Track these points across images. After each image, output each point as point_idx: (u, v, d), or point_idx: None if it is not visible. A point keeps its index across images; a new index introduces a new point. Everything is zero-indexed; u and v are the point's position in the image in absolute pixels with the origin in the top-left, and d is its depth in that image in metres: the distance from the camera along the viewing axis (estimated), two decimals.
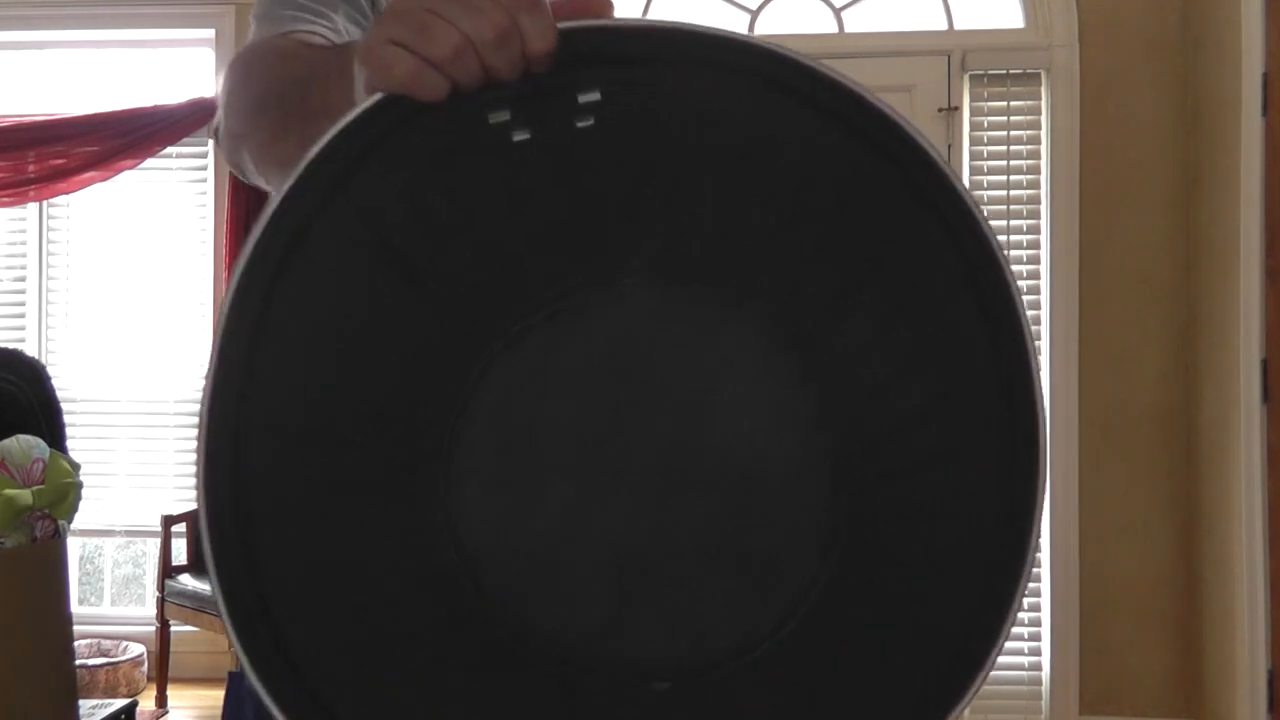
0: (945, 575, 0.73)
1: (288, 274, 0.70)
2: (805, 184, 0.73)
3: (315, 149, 0.68)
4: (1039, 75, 3.41)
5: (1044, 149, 3.41)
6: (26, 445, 2.69)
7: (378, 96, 0.68)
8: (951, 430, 0.73)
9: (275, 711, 0.66)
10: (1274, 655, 2.86)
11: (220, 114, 0.94)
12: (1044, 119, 3.41)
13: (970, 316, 0.71)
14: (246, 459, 0.69)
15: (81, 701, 2.67)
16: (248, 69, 0.92)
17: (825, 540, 0.74)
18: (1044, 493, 0.70)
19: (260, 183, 0.96)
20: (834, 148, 0.72)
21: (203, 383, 0.68)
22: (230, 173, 3.82)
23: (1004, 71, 3.41)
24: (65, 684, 2.61)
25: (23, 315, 4.11)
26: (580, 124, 0.72)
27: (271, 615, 0.69)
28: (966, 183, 3.44)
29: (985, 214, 0.70)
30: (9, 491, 2.55)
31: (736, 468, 0.76)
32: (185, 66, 4.15)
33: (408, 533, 0.73)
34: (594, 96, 0.71)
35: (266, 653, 0.68)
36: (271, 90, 0.87)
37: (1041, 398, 0.70)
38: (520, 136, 0.71)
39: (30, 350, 3.97)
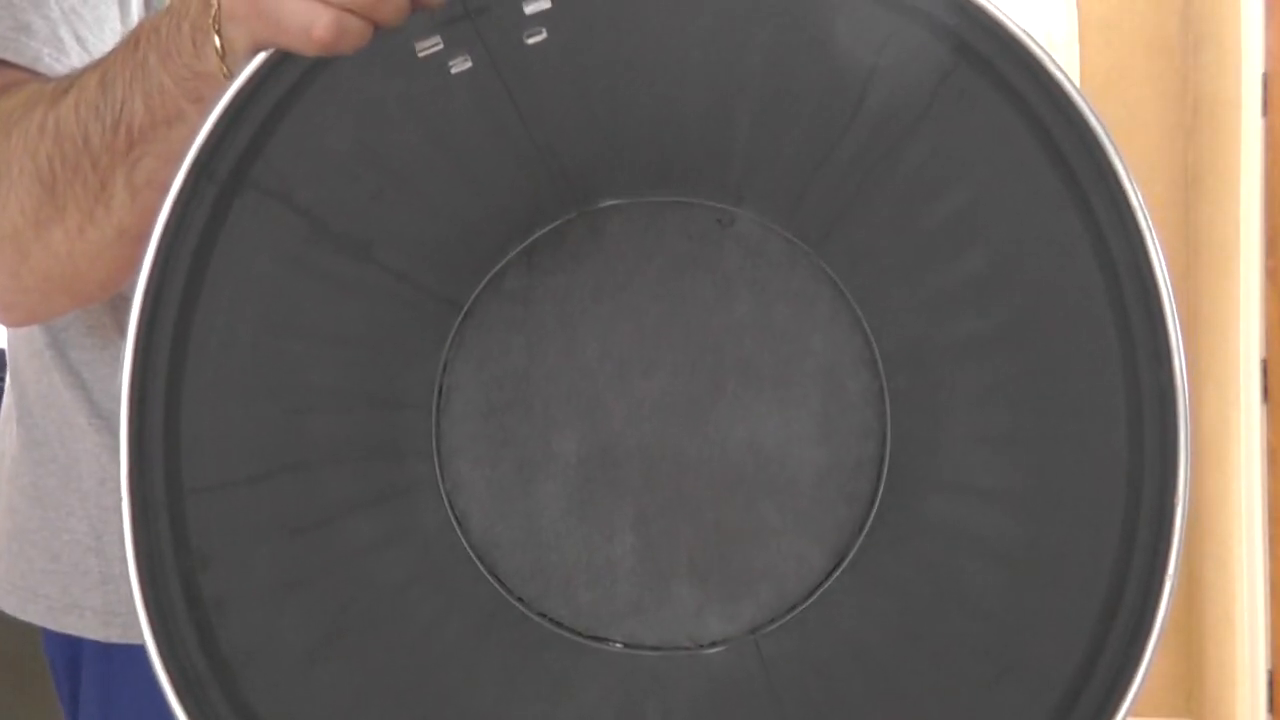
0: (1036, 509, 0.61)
1: (202, 290, 0.58)
2: (809, 55, 0.60)
3: (200, 134, 0.55)
4: None
5: None
6: None
7: (266, 53, 0.55)
8: (1023, 319, 0.59)
9: None
10: (1274, 655, 2.86)
11: None
12: None
13: (1042, 167, 0.57)
14: (187, 517, 0.58)
15: None
16: (4, 131, 0.66)
17: (875, 458, 0.65)
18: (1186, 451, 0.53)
19: (44, 306, 0.72)
20: (837, 9, 0.58)
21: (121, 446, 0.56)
22: None
23: None
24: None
25: None
26: (531, 39, 0.59)
27: (239, 687, 0.58)
28: None
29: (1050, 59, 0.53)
30: None
31: (760, 382, 0.66)
32: None
33: (406, 538, 0.66)
34: (543, 4, 0.59)
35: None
36: (58, 144, 0.64)
37: (1171, 303, 0.53)
38: (460, 68, 0.59)
39: None
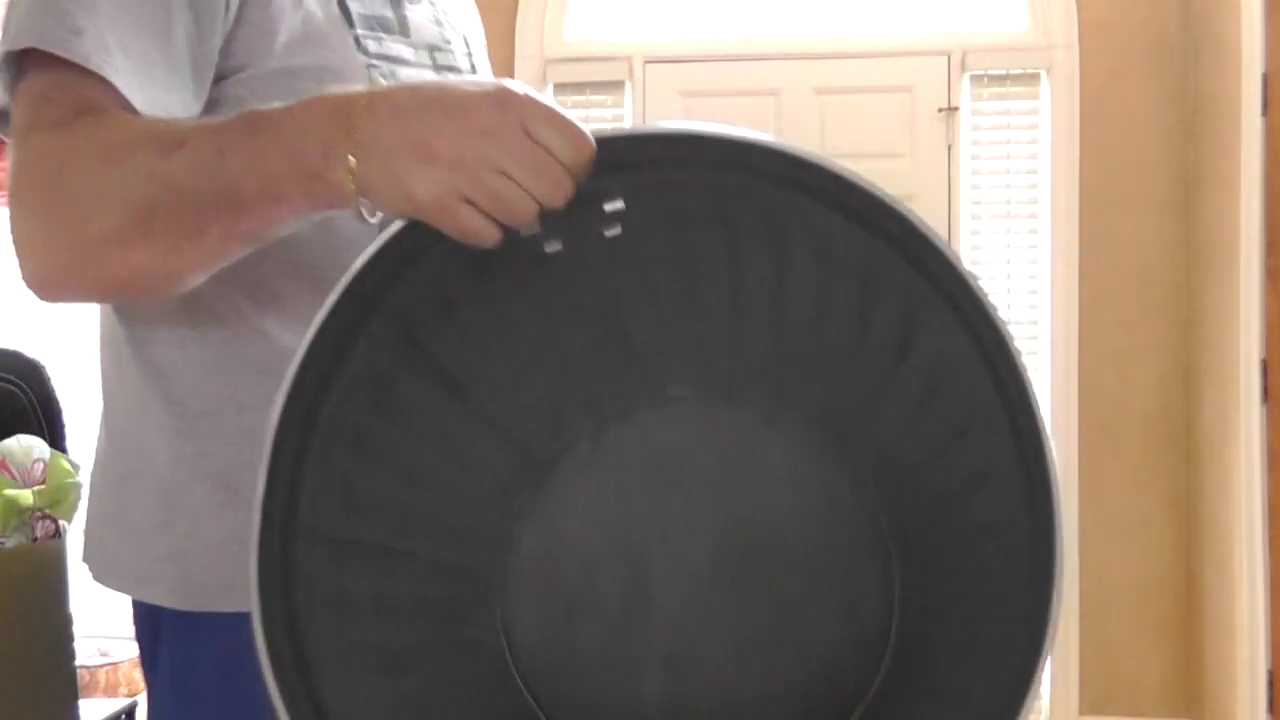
0: (990, 644, 0.74)
1: (331, 387, 0.71)
2: (834, 283, 0.75)
3: (354, 267, 0.69)
4: (1039, 75, 3.41)
5: (1044, 149, 3.40)
6: (27, 445, 2.69)
7: (409, 220, 0.70)
8: (986, 502, 0.74)
9: None
10: (1274, 655, 2.86)
11: (59, 212, 0.77)
12: (1044, 119, 3.41)
13: (991, 398, 0.72)
14: (296, 546, 0.71)
15: (81, 701, 2.66)
16: (106, 159, 0.76)
17: (881, 627, 0.77)
18: (1062, 560, 0.70)
19: (86, 296, 0.84)
20: (861, 249, 0.73)
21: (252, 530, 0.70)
22: None
23: (1004, 71, 3.41)
24: (65, 684, 2.62)
25: (24, 315, 4.11)
26: (608, 233, 0.73)
27: None
28: (966, 184, 3.44)
29: (994, 305, 0.72)
30: (10, 491, 2.56)
31: (788, 561, 0.78)
32: None
33: (463, 655, 0.76)
34: (619, 205, 0.73)
35: None
36: (166, 191, 0.74)
37: (1057, 486, 0.70)
38: (553, 248, 0.73)
39: (30, 350, 3.96)
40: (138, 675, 3.80)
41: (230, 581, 0.79)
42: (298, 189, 0.72)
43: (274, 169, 0.72)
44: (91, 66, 0.78)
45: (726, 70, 3.49)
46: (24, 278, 0.81)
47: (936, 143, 3.42)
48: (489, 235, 0.69)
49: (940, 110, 3.41)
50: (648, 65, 3.51)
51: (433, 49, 0.96)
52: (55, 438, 2.83)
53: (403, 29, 0.93)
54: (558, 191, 0.68)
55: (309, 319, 0.69)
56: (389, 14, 0.93)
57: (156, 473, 0.91)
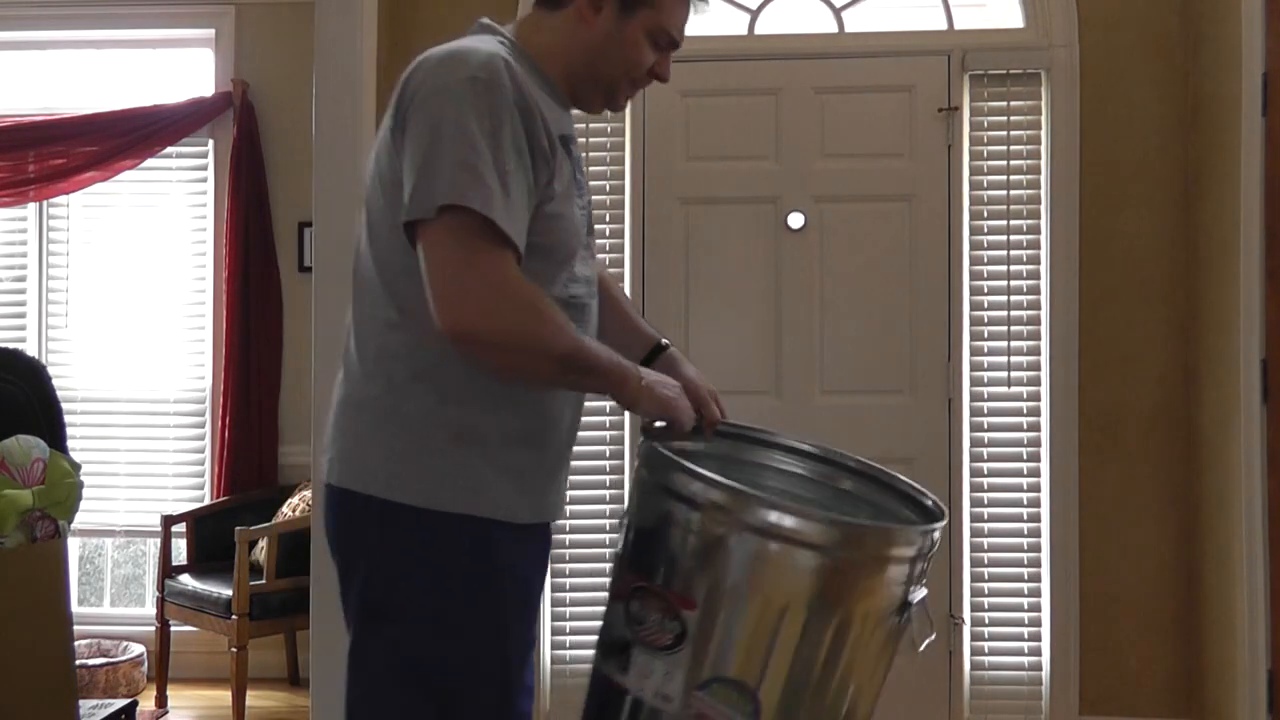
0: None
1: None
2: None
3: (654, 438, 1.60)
4: (1039, 75, 3.41)
5: (1044, 149, 3.40)
6: (26, 445, 2.68)
7: (660, 423, 1.61)
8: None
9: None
10: (1274, 655, 2.86)
11: (523, 326, 1.46)
12: (1044, 119, 3.41)
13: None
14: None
15: (81, 701, 2.66)
16: (559, 332, 1.49)
17: None
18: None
19: (479, 361, 1.51)
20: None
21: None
22: (230, 173, 3.82)
23: (1004, 71, 3.41)
24: (65, 684, 2.61)
25: (23, 315, 4.11)
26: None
27: None
28: (966, 183, 3.44)
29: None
30: (9, 491, 2.55)
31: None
32: (185, 66, 4.15)
33: None
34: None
35: None
36: (574, 359, 1.50)
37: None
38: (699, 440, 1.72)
39: (30, 350, 3.96)
40: (137, 675, 3.82)
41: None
42: (610, 385, 1.55)
43: (613, 377, 1.55)
44: (502, 226, 1.44)
45: (726, 70, 3.49)
46: (455, 325, 1.43)
47: (936, 143, 3.42)
48: (692, 424, 1.62)
49: (940, 110, 3.41)
50: None
51: (589, 226, 1.68)
52: (55, 438, 2.84)
53: (589, 224, 1.67)
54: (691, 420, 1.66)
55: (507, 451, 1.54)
56: (588, 215, 1.67)
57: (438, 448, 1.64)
